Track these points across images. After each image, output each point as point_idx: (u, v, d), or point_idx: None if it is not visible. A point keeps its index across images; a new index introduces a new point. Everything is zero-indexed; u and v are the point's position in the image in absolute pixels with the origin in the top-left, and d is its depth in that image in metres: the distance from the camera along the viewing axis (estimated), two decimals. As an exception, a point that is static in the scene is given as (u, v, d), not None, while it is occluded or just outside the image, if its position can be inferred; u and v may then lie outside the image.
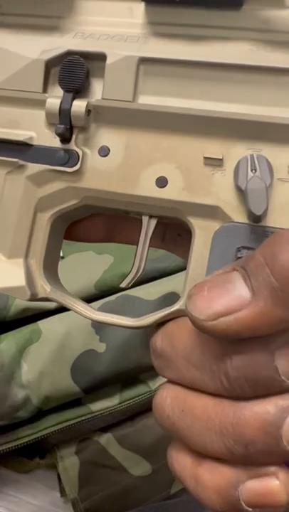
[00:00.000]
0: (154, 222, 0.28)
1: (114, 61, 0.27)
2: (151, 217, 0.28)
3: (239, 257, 0.25)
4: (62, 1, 0.28)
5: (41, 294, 0.29)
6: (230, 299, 0.21)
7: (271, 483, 0.22)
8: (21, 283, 0.28)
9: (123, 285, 0.29)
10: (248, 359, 0.22)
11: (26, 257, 0.29)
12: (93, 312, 0.28)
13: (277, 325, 0.21)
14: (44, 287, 0.29)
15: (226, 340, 0.23)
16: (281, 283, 0.20)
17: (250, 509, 0.22)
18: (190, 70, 0.26)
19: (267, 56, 0.25)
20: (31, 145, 0.28)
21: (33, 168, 0.28)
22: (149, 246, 0.29)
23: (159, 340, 0.26)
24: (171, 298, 0.53)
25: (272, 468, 0.23)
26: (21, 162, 0.28)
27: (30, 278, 0.28)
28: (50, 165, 0.28)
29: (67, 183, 0.28)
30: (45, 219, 0.28)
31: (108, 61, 0.27)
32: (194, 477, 0.24)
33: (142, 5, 0.27)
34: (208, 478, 0.23)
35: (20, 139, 0.28)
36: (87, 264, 0.55)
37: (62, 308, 0.52)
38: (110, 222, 0.32)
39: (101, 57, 0.27)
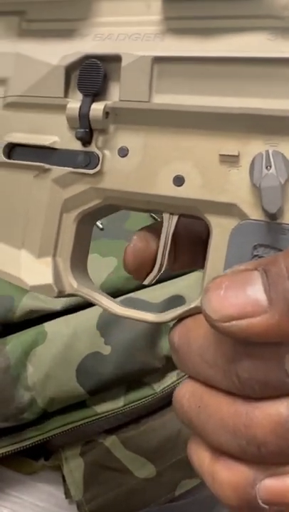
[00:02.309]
0: (175, 219, 0.28)
1: (128, 62, 0.27)
2: (172, 214, 0.28)
3: (256, 255, 0.25)
4: (82, 3, 0.29)
5: (68, 291, 0.30)
6: (246, 303, 0.21)
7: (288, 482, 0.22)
8: (49, 281, 0.29)
9: (146, 282, 0.30)
10: (258, 361, 0.22)
11: (54, 255, 0.30)
12: (117, 307, 0.29)
13: None
14: (71, 284, 0.30)
15: (238, 341, 0.23)
16: None
17: (267, 507, 0.23)
18: (204, 67, 0.26)
19: (284, 46, 0.24)
20: (55, 149, 0.29)
21: (58, 171, 0.29)
22: (193, 269, 0.29)
23: (176, 335, 0.26)
24: (176, 301, 0.53)
25: None
26: (47, 166, 0.29)
27: (57, 276, 0.29)
28: (72, 167, 0.29)
29: (89, 184, 0.29)
30: (71, 219, 0.29)
31: (123, 63, 0.27)
32: (212, 473, 0.24)
33: (160, 0, 0.27)
34: (226, 475, 0.24)
35: (45, 143, 0.29)
36: (91, 266, 0.55)
37: (67, 311, 0.52)
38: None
39: (117, 58, 0.27)
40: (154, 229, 0.30)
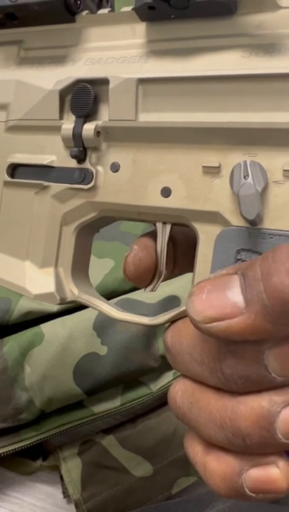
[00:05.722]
0: (168, 228, 0.30)
1: (115, 85, 0.29)
2: (164, 223, 0.30)
3: (239, 259, 0.26)
4: (74, 30, 0.31)
5: (70, 298, 0.32)
6: (226, 305, 0.22)
7: (272, 472, 0.24)
8: (51, 289, 0.31)
9: (148, 290, 0.31)
10: (240, 358, 0.24)
11: (56, 265, 0.32)
12: (116, 312, 0.31)
13: (265, 336, 0.22)
14: (72, 291, 0.32)
15: (221, 340, 0.24)
16: (272, 302, 0.21)
17: (253, 495, 0.24)
18: (185, 85, 0.28)
19: (258, 63, 0.26)
20: (53, 167, 0.31)
21: (56, 187, 0.31)
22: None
23: (169, 336, 0.28)
24: (171, 301, 0.54)
25: (273, 458, 0.24)
26: (46, 183, 0.31)
27: (59, 284, 0.31)
28: (69, 184, 0.31)
29: (85, 198, 0.31)
30: (70, 231, 0.31)
31: (111, 85, 0.29)
32: (203, 464, 0.26)
33: (144, 24, 0.29)
34: (215, 465, 0.25)
35: (44, 162, 0.31)
36: (88, 268, 0.56)
37: (64, 312, 0.52)
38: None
39: (105, 81, 0.29)
40: (155, 235, 0.31)
